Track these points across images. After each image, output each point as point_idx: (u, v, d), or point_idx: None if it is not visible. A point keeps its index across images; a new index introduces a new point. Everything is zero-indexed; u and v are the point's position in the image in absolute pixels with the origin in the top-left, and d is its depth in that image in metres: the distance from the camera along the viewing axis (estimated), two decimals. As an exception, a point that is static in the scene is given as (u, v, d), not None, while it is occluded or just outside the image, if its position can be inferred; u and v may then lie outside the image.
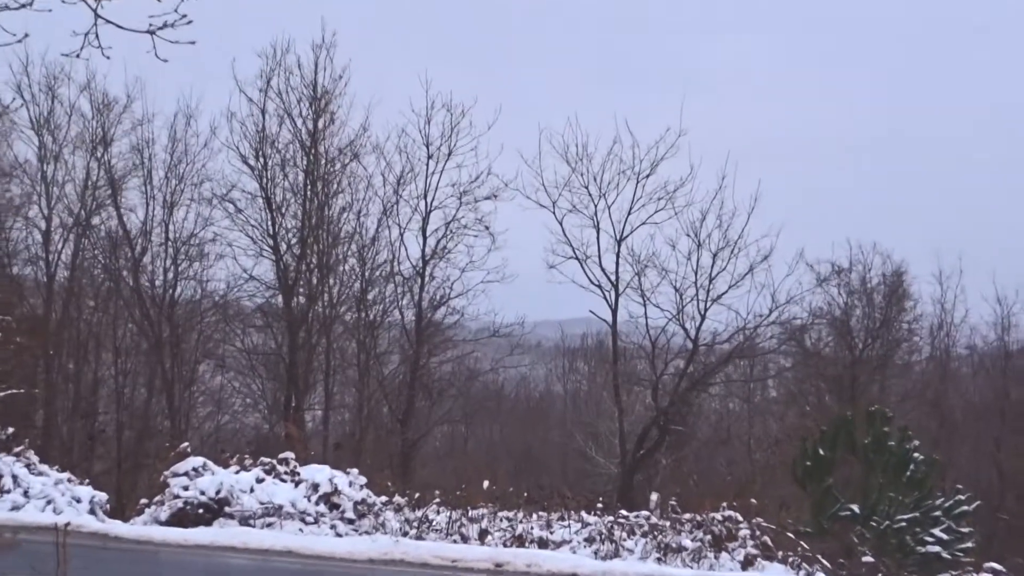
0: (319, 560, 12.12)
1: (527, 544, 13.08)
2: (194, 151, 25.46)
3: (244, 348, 27.00)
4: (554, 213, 23.25)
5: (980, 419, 32.71)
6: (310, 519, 14.06)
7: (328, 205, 25.32)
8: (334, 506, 14.29)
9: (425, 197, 24.39)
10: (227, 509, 14.13)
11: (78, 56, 4.41)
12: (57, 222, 25.70)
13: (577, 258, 23.11)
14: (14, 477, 15.00)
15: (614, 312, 23.31)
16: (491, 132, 23.79)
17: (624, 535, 13.31)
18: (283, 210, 24.85)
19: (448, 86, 37.70)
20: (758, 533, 13.25)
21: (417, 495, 15.08)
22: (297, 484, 14.63)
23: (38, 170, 25.51)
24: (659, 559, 12.70)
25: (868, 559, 12.31)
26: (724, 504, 14.22)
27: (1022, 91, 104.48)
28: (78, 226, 25.87)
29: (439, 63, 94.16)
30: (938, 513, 13.34)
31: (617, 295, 23.17)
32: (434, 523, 13.93)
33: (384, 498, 14.81)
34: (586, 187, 23.13)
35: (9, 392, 18.66)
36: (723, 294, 22.43)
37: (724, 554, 12.86)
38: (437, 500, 14.67)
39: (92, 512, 14.94)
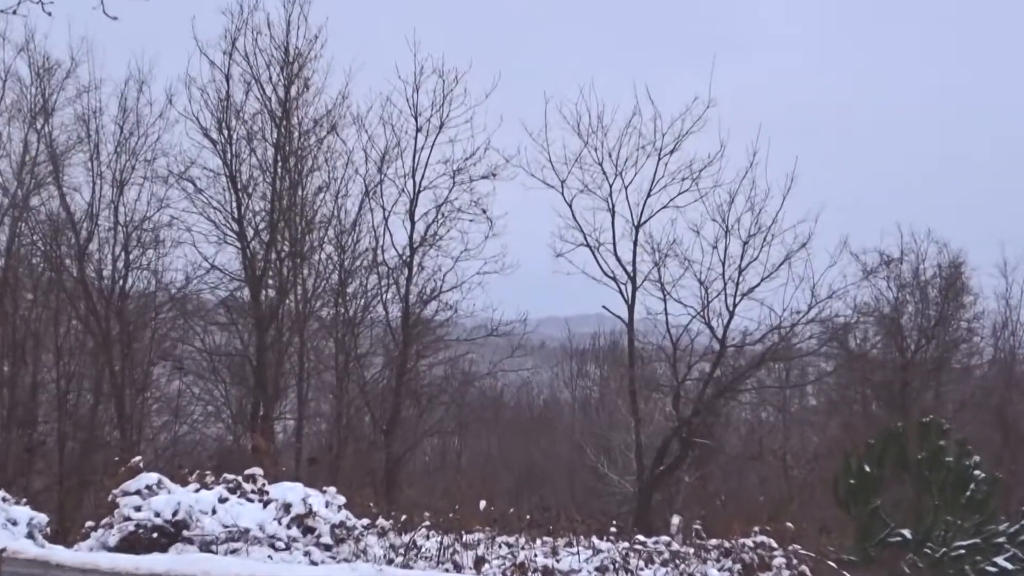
0: (291, 591, 12.15)
1: (530, 574, 13.10)
2: (148, 122, 25.50)
3: (205, 348, 27.04)
4: (562, 194, 23.38)
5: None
6: (281, 545, 14.05)
7: (302, 185, 25.39)
8: (308, 530, 14.29)
9: (413, 176, 24.51)
10: (185, 533, 14.13)
11: (14, 13, 4.40)
12: (-10, 203, 25.74)
13: (588, 246, 23.23)
14: (-61, 496, 14.99)
15: (630, 308, 23.39)
16: (489, 101, 23.92)
17: (641, 564, 13.33)
18: (250, 190, 24.91)
19: (439, 48, 37.92)
20: (795, 562, 13.29)
21: (404, 517, 15.11)
22: (266, 504, 14.63)
23: (-33, 144, 25.58)
24: (681, 591, 12.73)
25: (921, 592, 12.36)
26: (756, 528, 14.24)
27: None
28: (14, 208, 25.88)
29: (429, 22, 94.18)
30: (1002, 539, 13.36)
31: (634, 288, 23.24)
32: (423, 549, 13.95)
33: (366, 521, 14.83)
34: (600, 164, 23.25)
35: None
36: (755, 287, 22.57)
37: (756, 586, 12.90)
38: (427, 523, 14.69)
39: (30, 536, 14.91)
